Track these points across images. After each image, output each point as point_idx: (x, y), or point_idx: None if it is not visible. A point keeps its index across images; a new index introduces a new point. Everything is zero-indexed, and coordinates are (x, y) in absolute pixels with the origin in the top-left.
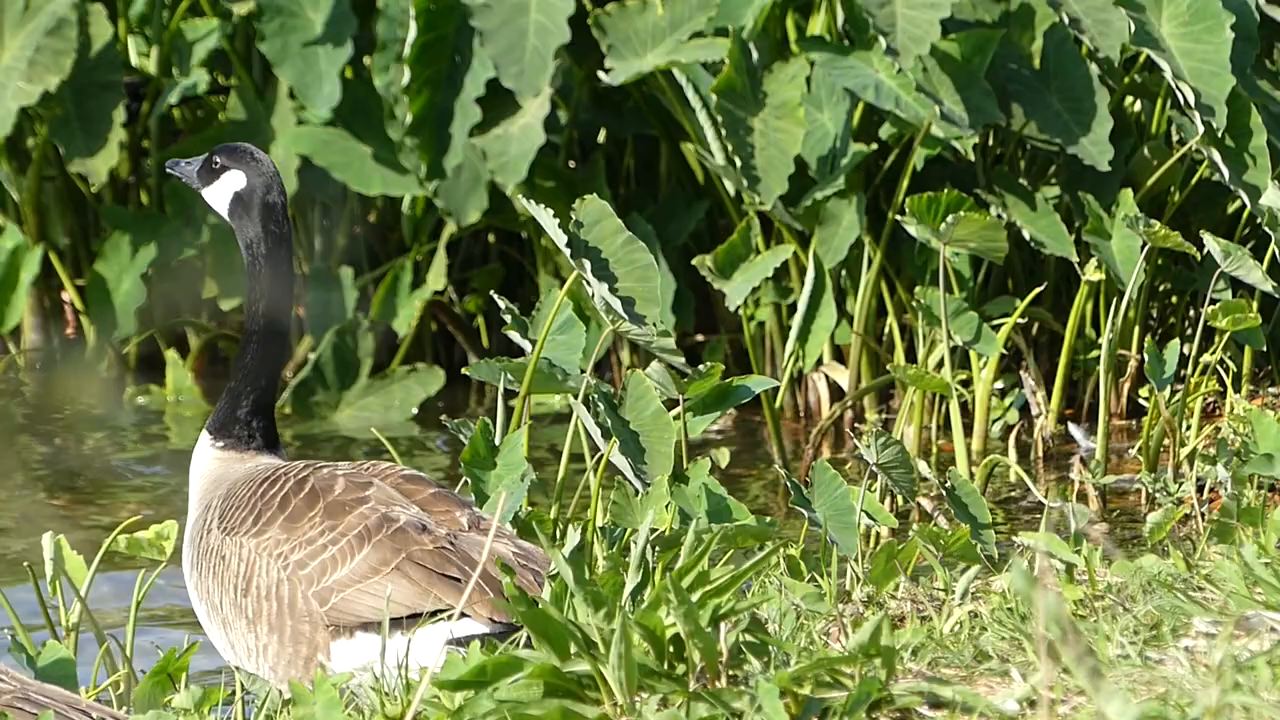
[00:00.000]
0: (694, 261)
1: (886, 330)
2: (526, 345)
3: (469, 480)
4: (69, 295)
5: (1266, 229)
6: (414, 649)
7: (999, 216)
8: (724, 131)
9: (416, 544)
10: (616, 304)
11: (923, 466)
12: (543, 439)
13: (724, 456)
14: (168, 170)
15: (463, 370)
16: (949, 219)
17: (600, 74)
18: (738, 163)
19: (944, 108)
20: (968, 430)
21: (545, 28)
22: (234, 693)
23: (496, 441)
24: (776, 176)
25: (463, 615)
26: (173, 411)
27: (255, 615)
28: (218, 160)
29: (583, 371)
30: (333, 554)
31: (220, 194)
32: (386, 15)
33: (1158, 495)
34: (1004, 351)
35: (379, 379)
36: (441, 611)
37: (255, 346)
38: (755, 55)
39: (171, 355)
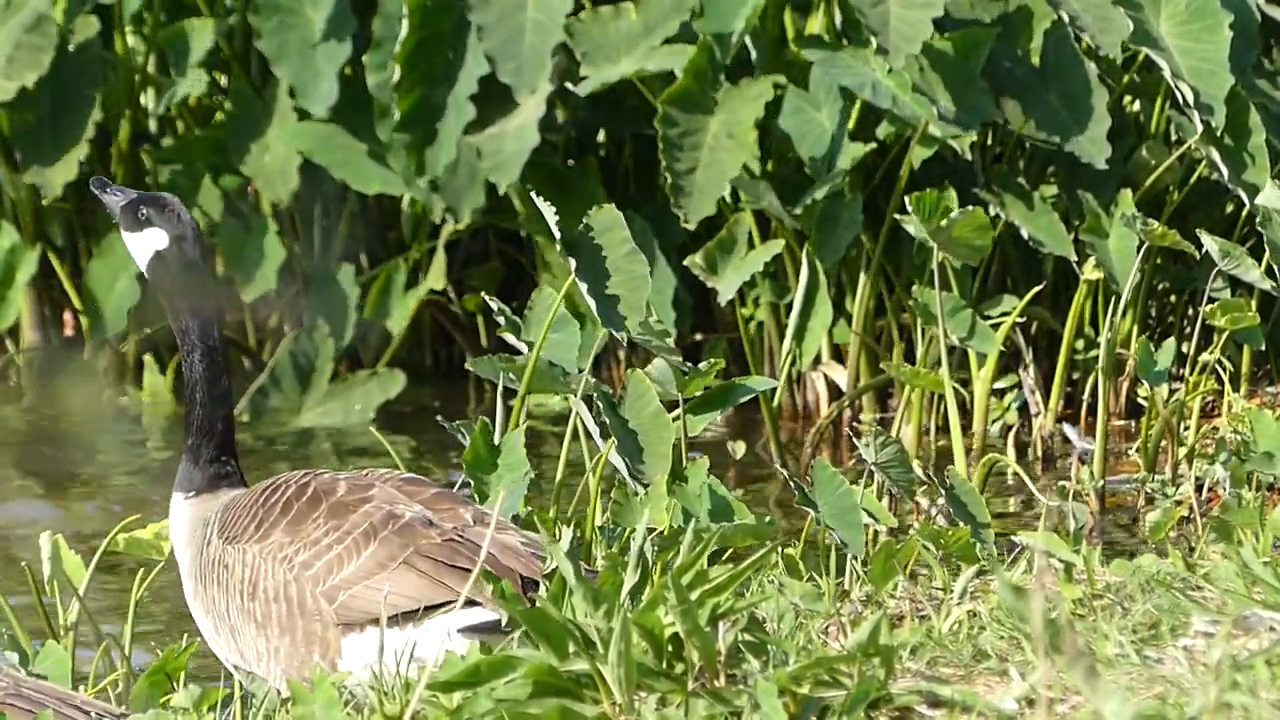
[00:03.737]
0: (686, 261)
1: (885, 329)
2: (521, 345)
3: (469, 480)
4: (68, 294)
5: (1260, 228)
6: (426, 640)
7: (997, 216)
8: (663, 142)
9: (424, 538)
10: (593, 302)
11: (917, 466)
12: (541, 441)
13: (739, 448)
14: (91, 187)
15: (465, 365)
16: (945, 221)
17: (569, 86)
18: (669, 176)
19: (940, 106)
20: (966, 429)
21: (543, 25)
22: (232, 692)
23: (495, 441)
24: (707, 198)
25: (475, 604)
26: (155, 414)
27: (264, 618)
28: (143, 211)
29: (581, 370)
30: (338, 552)
31: (141, 247)
32: (384, 13)
33: (1156, 495)
34: (1003, 350)
35: (339, 382)
36: (453, 602)
37: (200, 397)
38: (753, 55)
39: (148, 360)
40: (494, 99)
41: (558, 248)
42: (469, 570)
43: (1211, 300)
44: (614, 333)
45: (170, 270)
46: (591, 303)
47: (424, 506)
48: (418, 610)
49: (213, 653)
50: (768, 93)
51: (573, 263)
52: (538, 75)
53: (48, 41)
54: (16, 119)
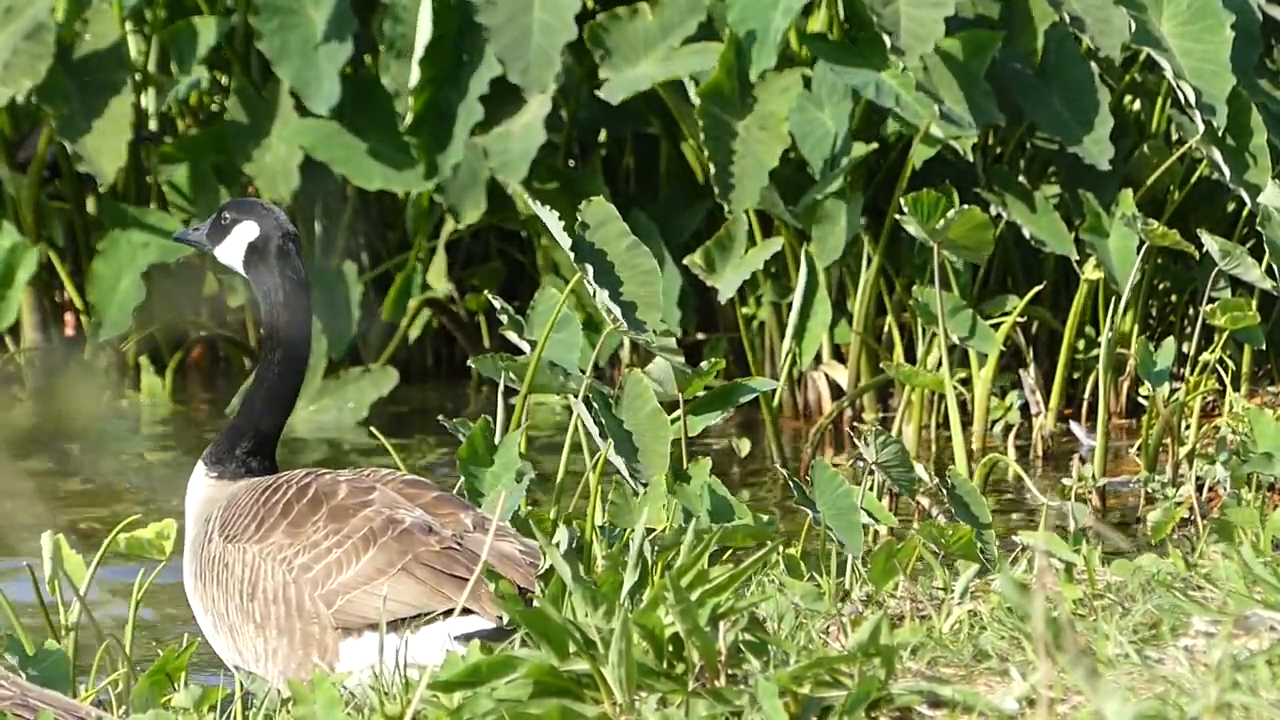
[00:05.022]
0: (686, 260)
1: (886, 329)
2: (524, 345)
3: (464, 478)
4: (69, 294)
5: (1259, 227)
6: (421, 648)
7: (998, 215)
8: (703, 135)
9: (423, 545)
10: (617, 310)
11: (919, 469)
12: (543, 441)
13: (744, 446)
14: (176, 241)
15: (468, 363)
16: (945, 219)
17: (598, 93)
18: (712, 168)
19: (944, 107)
20: (967, 429)
21: (550, 25)
22: (233, 692)
23: (494, 440)
24: (750, 187)
25: (471, 612)
26: (154, 414)
27: (263, 619)
28: (227, 215)
29: (583, 371)
30: (338, 556)
31: (233, 248)
32: (392, 12)
33: (1157, 494)
34: (1004, 350)
35: (332, 380)
36: (450, 611)
37: (266, 390)
38: (756, 59)
39: (144, 361)
40: (499, 99)
41: (569, 254)
42: (466, 579)
43: (1212, 300)
44: (638, 334)
45: (267, 257)
46: (614, 310)
47: (425, 510)
48: (414, 617)
49: (213, 651)
50: (795, 85)
51: (589, 269)
52: (547, 75)
53: (45, 50)
54: (54, 112)
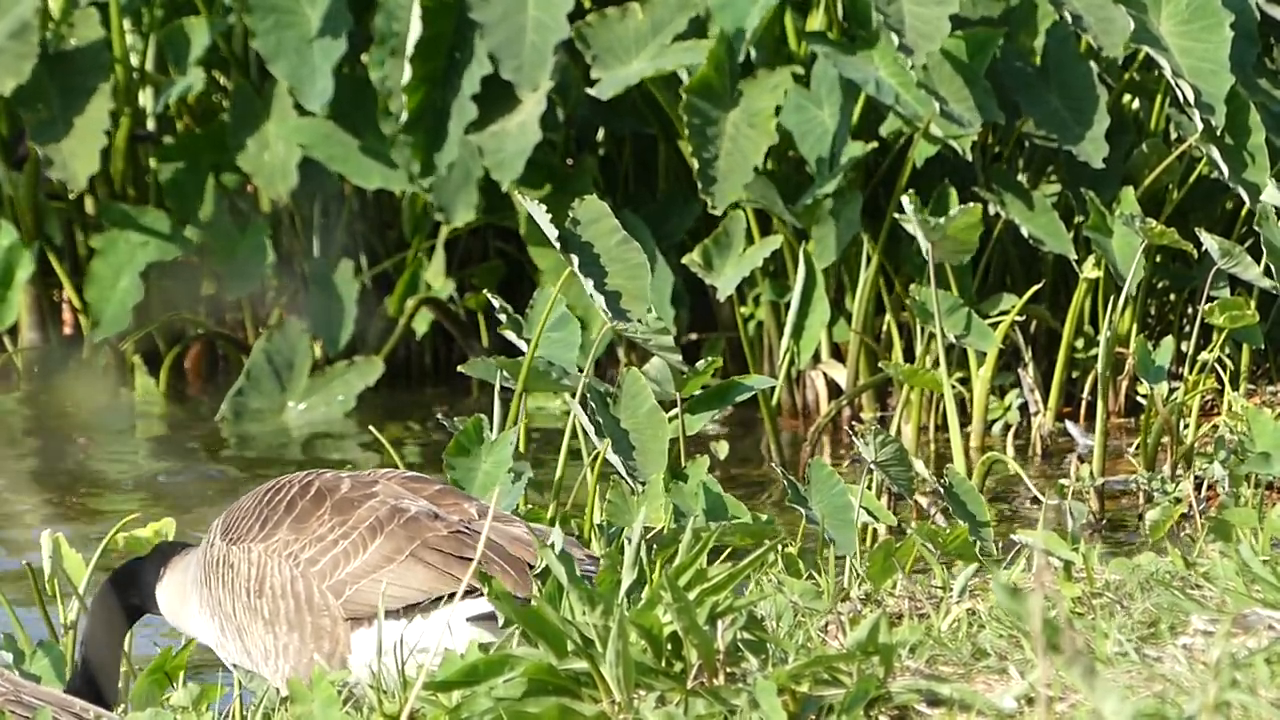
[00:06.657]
0: (685, 259)
1: (885, 328)
2: (522, 344)
3: (449, 476)
4: (67, 293)
5: (1257, 227)
6: (434, 631)
7: (997, 214)
8: (689, 130)
9: (430, 530)
10: (600, 299)
11: (919, 464)
12: (542, 439)
13: (723, 449)
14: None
15: (459, 368)
16: (946, 216)
17: (589, 90)
18: (696, 164)
19: (945, 106)
20: (966, 428)
21: (544, 23)
22: (231, 690)
23: (488, 438)
24: (734, 183)
25: (480, 594)
26: (150, 413)
27: (272, 615)
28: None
29: (580, 369)
30: (344, 548)
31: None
32: (385, 9)
33: (1155, 493)
34: (1002, 349)
35: (318, 375)
36: (459, 593)
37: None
38: (753, 54)
39: (137, 361)
40: (493, 97)
41: (555, 246)
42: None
43: (1211, 299)
44: (620, 324)
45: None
46: (597, 298)
47: (428, 502)
48: (426, 602)
49: (212, 652)
50: (785, 83)
51: (574, 259)
52: (540, 73)
53: (29, 49)
54: (30, 116)
